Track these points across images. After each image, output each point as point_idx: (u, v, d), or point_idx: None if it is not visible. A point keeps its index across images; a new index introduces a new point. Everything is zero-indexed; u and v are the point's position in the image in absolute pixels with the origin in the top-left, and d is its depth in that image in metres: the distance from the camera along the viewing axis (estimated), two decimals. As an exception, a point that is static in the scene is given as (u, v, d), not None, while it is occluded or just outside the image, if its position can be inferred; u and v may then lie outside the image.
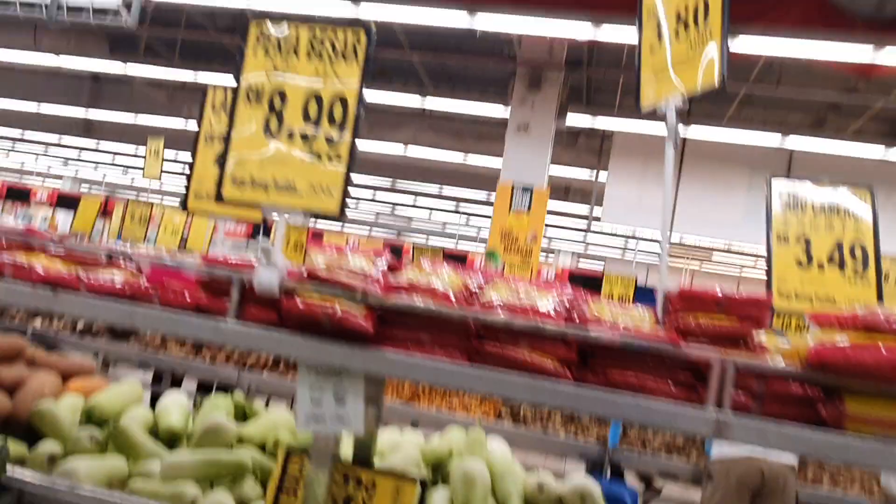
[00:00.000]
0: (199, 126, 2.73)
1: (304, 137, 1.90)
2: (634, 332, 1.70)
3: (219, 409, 3.01)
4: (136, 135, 16.99)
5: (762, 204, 9.36)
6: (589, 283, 15.85)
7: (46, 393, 3.09)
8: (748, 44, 8.02)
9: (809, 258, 2.39)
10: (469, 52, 13.05)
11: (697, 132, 11.53)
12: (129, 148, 16.80)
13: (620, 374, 1.68)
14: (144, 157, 7.11)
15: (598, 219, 12.99)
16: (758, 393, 1.61)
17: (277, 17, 1.92)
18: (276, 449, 2.73)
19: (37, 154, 20.91)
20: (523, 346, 1.72)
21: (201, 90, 2.78)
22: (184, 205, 2.69)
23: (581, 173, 14.62)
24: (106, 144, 17.10)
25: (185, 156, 15.89)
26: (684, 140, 12.22)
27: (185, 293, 1.93)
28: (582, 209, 17.52)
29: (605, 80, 13.95)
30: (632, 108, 15.88)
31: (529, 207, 11.09)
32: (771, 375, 1.61)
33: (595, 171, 13.14)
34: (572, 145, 14.97)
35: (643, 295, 7.23)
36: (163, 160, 7.07)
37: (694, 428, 1.60)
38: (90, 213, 7.25)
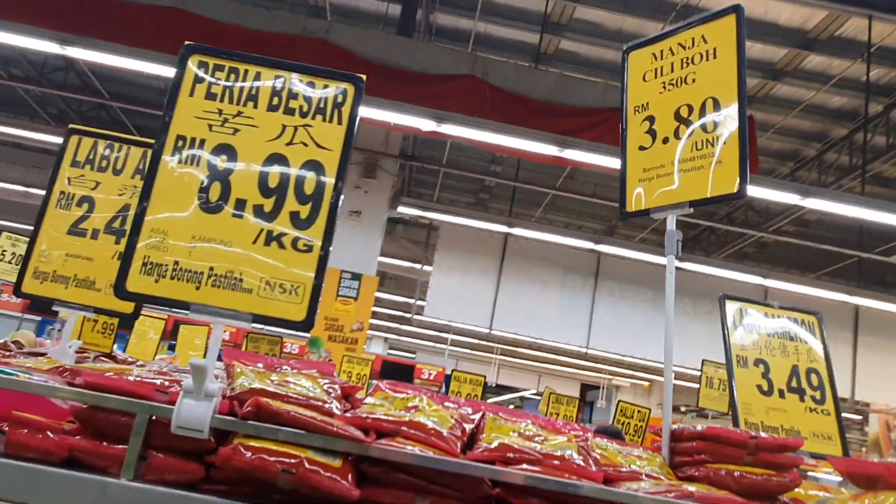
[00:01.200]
0: (51, 185, 2.01)
1: (261, 215, 1.37)
2: (698, 497, 1.35)
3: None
4: None
5: (575, 302, 9.77)
6: (402, 372, 15.63)
7: None
8: (573, 154, 8.48)
9: (770, 384, 2.24)
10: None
11: (518, 230, 11.95)
12: None
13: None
14: None
15: (420, 310, 12.87)
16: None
17: (228, 56, 1.41)
18: None
19: None
20: (560, 516, 1.30)
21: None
22: (17, 288, 1.94)
23: (401, 263, 14.54)
24: None
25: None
26: (507, 237, 12.67)
27: (49, 434, 1.26)
28: (398, 298, 17.40)
29: (429, 172, 14.23)
30: (451, 202, 16.36)
31: (357, 295, 10.73)
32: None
33: (420, 262, 13.12)
34: (391, 234, 14.92)
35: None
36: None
37: None
38: None
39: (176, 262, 1.33)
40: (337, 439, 1.26)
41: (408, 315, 14.71)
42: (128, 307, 1.99)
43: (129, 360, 2.52)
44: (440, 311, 12.88)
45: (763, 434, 1.66)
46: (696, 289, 12.06)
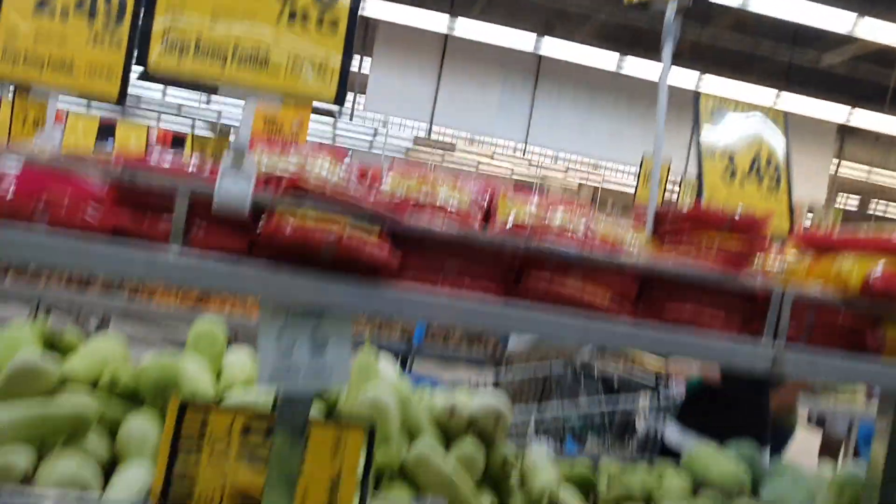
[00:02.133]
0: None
1: (285, -12, 1.31)
2: (694, 263, 1.52)
3: (21, 342, 2.25)
4: None
5: (515, 101, 9.83)
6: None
7: None
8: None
9: (733, 172, 2.42)
10: None
11: (461, 29, 11.52)
12: None
13: (677, 309, 1.50)
14: None
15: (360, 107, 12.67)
16: (807, 323, 1.56)
17: None
18: (112, 389, 2.15)
19: None
20: (575, 280, 1.45)
21: None
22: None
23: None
24: None
25: None
26: (447, 37, 12.25)
27: (91, 209, 1.28)
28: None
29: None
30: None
31: (295, 92, 10.41)
32: (829, 306, 1.56)
33: (359, 56, 12.61)
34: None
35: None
36: None
37: (751, 364, 1.50)
38: None
39: (198, 39, 1.29)
40: (377, 213, 1.34)
41: (347, 112, 14.42)
42: (113, 90, 1.90)
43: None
44: (379, 108, 12.75)
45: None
46: (633, 90, 12.23)
